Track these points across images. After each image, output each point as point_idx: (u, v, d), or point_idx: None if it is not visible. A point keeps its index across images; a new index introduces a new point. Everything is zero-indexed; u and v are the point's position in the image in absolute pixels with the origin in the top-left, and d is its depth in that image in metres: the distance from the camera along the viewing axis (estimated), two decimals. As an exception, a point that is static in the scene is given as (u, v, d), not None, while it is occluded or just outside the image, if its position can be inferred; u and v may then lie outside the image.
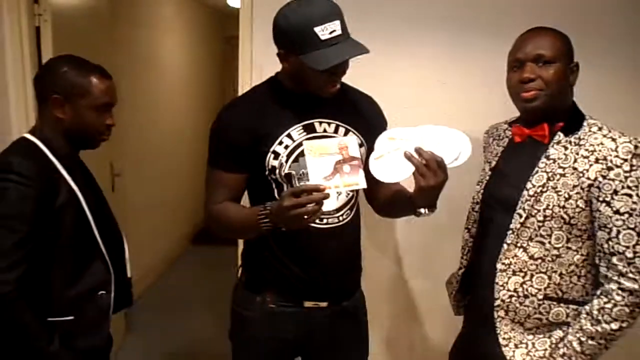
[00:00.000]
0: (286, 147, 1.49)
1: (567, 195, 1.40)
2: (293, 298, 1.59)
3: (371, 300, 1.78)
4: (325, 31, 1.37)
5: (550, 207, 1.42)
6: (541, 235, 1.44)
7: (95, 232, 1.50)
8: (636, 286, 1.35)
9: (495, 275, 1.49)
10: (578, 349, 1.41)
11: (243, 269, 1.70)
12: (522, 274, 1.47)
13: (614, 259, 1.37)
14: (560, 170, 1.42)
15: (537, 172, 1.45)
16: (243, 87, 2.23)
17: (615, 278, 1.37)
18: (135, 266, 4.00)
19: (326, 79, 1.44)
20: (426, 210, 1.47)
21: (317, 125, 1.53)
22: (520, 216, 1.45)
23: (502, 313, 1.50)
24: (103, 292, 1.51)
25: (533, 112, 1.46)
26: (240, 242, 2.30)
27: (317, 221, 1.50)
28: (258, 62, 2.22)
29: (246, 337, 1.66)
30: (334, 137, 1.49)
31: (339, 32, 1.38)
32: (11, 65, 2.24)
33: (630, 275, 1.35)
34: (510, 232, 1.46)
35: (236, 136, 1.51)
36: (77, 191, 1.45)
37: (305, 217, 1.31)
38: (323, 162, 1.35)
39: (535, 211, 1.43)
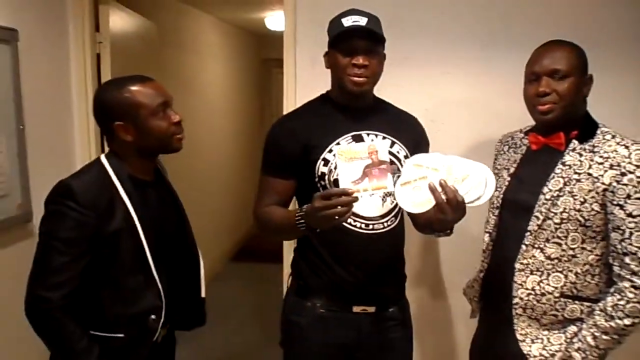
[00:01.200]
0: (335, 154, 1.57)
1: (582, 199, 1.48)
2: (342, 303, 1.65)
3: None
4: (349, 20, 1.54)
5: (567, 210, 1.49)
6: (558, 237, 1.51)
7: (150, 260, 1.48)
8: None
9: (514, 275, 1.56)
10: (592, 343, 1.46)
11: (293, 276, 1.76)
12: (539, 273, 1.54)
13: (627, 259, 1.44)
14: (575, 176, 1.49)
15: (553, 177, 1.52)
16: (288, 108, 2.31)
17: (628, 276, 1.43)
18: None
19: (348, 65, 1.54)
20: (441, 233, 1.57)
21: (365, 136, 1.61)
22: (538, 218, 1.52)
23: (520, 311, 1.56)
24: (154, 316, 1.51)
25: (547, 124, 1.55)
26: (285, 259, 2.37)
27: (363, 227, 1.59)
28: (302, 83, 2.30)
29: (297, 342, 1.71)
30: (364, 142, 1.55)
31: (363, 24, 1.54)
32: (76, 89, 2.43)
33: None
34: (528, 233, 1.53)
35: (288, 145, 1.63)
36: (134, 218, 1.45)
37: (336, 218, 1.37)
38: (352, 167, 1.41)
39: (552, 214, 1.50)
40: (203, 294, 1.70)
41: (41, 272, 1.38)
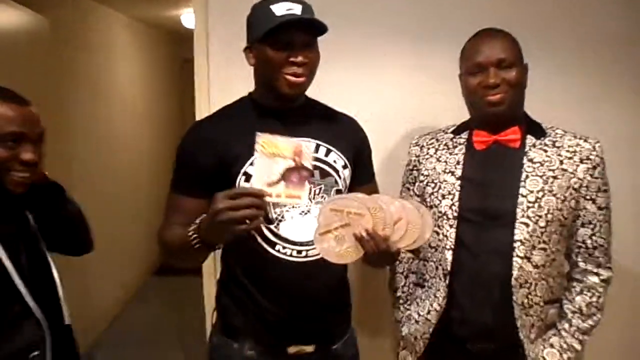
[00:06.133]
0: None
1: (562, 197, 1.41)
2: (275, 343, 1.41)
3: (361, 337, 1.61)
4: (282, 8, 1.30)
5: (550, 211, 1.40)
6: (544, 242, 1.41)
7: (24, 291, 1.28)
8: (611, 274, 1.48)
9: (512, 294, 1.41)
10: (579, 347, 1.47)
11: (217, 313, 1.51)
12: (527, 285, 1.42)
13: (596, 252, 1.45)
14: (551, 173, 1.41)
15: (527, 177, 1.41)
16: (200, 113, 2.10)
17: (595, 270, 1.46)
18: (99, 298, 3.81)
19: (285, 63, 1.31)
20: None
21: None
22: (527, 225, 1.39)
23: (525, 331, 1.43)
24: (36, 352, 1.30)
25: (498, 116, 1.43)
26: (205, 273, 2.17)
27: (295, 254, 1.36)
28: (216, 85, 2.11)
29: None
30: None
31: (298, 12, 1.30)
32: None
33: (607, 264, 1.47)
34: (519, 244, 1.39)
35: (201, 158, 1.37)
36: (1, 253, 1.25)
37: (244, 223, 1.12)
38: (272, 165, 1.18)
39: (537, 217, 1.39)
40: (67, 321, 1.42)
41: None
